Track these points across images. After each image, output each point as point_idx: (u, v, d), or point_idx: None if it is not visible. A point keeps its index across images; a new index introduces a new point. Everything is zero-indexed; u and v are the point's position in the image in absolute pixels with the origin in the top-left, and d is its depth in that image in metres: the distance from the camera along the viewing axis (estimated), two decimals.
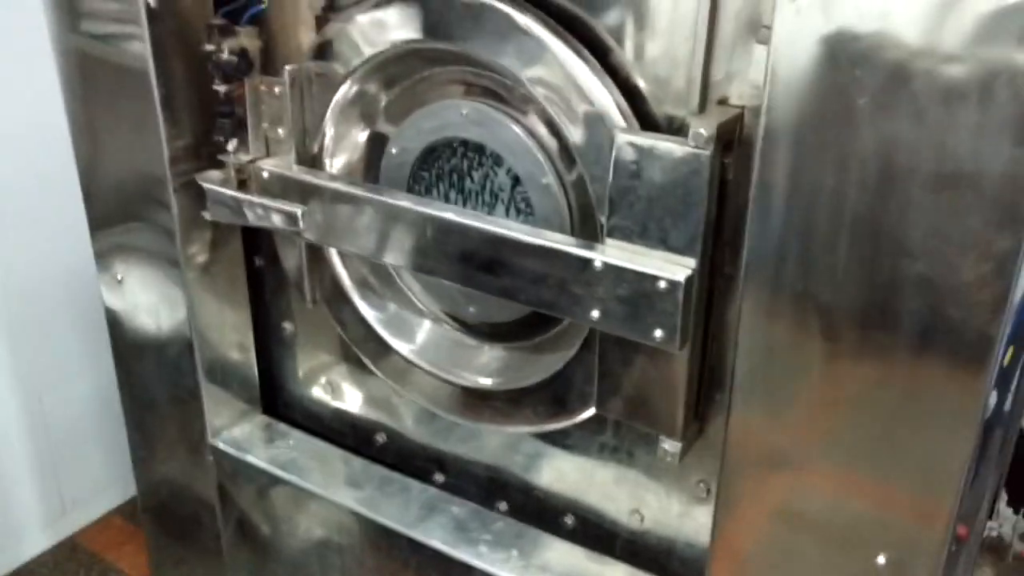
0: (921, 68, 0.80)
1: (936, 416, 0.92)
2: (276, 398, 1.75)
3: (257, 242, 1.58)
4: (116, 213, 1.55)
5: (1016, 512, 1.75)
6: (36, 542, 2.44)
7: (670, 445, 1.19)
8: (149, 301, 1.59)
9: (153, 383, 1.68)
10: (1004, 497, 1.78)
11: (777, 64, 0.88)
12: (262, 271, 1.62)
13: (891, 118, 0.83)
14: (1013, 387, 1.31)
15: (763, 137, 0.91)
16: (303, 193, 1.33)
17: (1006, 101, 0.77)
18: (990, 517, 1.70)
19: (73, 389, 2.41)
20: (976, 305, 0.85)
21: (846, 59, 0.83)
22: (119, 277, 1.59)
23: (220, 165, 1.41)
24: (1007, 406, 1.27)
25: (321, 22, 1.33)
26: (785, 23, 0.86)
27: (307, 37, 1.35)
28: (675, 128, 1.10)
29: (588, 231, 1.20)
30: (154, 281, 1.55)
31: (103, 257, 1.61)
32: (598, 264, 1.09)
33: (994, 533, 1.69)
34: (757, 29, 1.00)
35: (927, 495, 0.96)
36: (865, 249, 0.89)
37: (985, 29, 0.77)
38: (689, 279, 1.05)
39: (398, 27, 1.21)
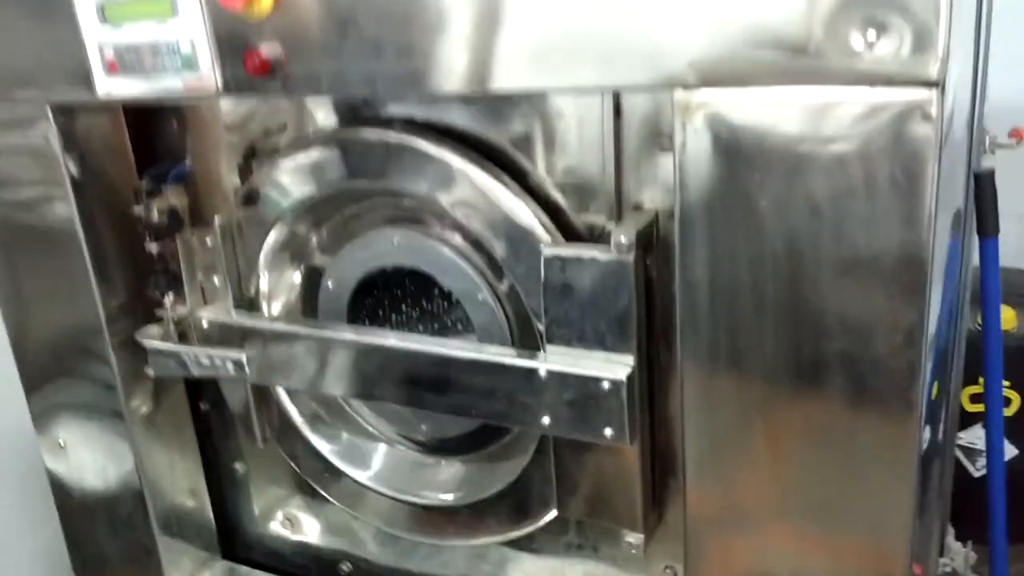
0: (811, 169, 0.89)
1: (877, 464, 0.98)
2: (234, 541, 1.72)
3: (201, 387, 1.58)
4: (52, 374, 1.53)
5: (964, 545, 1.82)
6: None
7: (634, 538, 1.23)
8: (95, 460, 1.56)
9: (105, 542, 1.64)
10: (951, 532, 1.85)
11: (682, 175, 0.96)
12: (208, 415, 1.61)
13: (792, 214, 0.91)
14: (943, 417, 1.39)
15: (679, 242, 0.99)
16: (245, 337, 1.35)
17: (889, 193, 0.86)
18: (941, 554, 1.77)
19: (17, 551, 2.31)
20: (895, 373, 0.92)
21: (744, 166, 0.92)
22: (61, 442, 1.57)
23: (158, 319, 1.42)
24: (940, 436, 1.35)
25: (244, 171, 1.37)
26: (684, 140, 0.94)
27: (232, 187, 1.39)
28: (596, 235, 1.17)
29: (528, 338, 1.25)
30: (98, 438, 1.53)
31: (42, 419, 1.58)
32: (542, 372, 1.14)
33: (947, 569, 1.75)
34: (660, 138, 1.09)
35: (881, 540, 1.02)
36: (788, 333, 0.96)
37: (858, 127, 0.86)
38: (630, 376, 1.10)
39: (321, 171, 1.26)
